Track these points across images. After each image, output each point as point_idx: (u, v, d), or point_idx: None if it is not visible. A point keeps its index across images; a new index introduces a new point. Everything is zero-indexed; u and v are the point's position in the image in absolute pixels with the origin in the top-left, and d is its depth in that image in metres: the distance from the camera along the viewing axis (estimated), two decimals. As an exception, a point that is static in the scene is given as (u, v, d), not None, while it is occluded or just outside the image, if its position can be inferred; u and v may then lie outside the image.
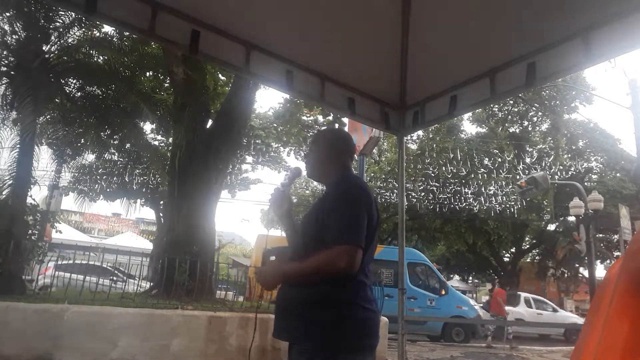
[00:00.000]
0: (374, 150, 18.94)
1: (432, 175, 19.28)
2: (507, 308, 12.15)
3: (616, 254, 21.19)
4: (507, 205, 19.53)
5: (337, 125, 12.08)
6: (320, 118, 14.98)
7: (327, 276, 1.45)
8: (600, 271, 19.27)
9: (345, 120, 11.55)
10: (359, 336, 1.42)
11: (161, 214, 16.90)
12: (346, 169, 1.76)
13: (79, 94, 8.73)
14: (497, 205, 19.40)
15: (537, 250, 26.98)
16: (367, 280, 1.53)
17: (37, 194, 8.42)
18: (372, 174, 20.37)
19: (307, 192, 22.18)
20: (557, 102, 21.59)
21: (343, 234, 1.42)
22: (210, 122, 9.36)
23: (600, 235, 21.30)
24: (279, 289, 1.57)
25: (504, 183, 19.19)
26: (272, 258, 1.79)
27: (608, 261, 23.40)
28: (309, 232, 1.60)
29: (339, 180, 1.67)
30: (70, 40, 8.19)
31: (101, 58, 8.64)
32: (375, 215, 1.55)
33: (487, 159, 19.68)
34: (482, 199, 19.19)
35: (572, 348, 0.93)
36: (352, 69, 2.88)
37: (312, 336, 1.41)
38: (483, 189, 19.14)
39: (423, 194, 19.51)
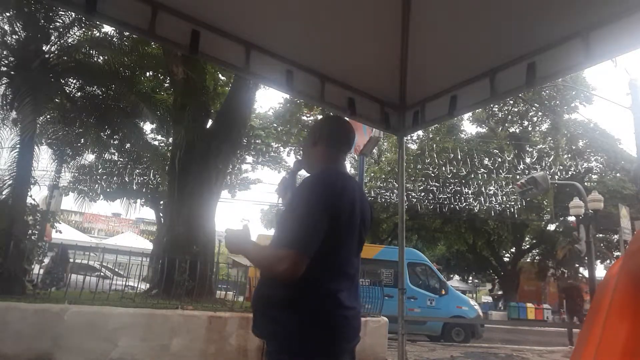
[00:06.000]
0: (374, 150, 18.94)
1: (432, 175, 19.27)
2: None
3: (616, 254, 21.17)
4: (507, 205, 19.53)
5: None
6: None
7: (268, 275, 1.44)
8: (600, 271, 19.29)
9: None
10: (321, 341, 1.35)
11: (161, 214, 16.90)
12: (331, 160, 1.62)
13: (79, 94, 8.73)
14: (497, 205, 19.41)
15: (537, 251, 26.97)
16: (336, 283, 1.41)
17: (37, 194, 8.40)
18: (372, 174, 20.38)
19: None
20: (557, 102, 21.61)
21: (288, 237, 1.34)
22: (210, 122, 9.36)
23: (600, 235, 21.29)
24: (256, 286, 1.55)
25: (504, 183, 19.19)
26: None
27: (608, 261, 23.38)
28: (277, 227, 1.56)
29: (312, 174, 1.55)
30: (70, 40, 8.19)
31: (101, 58, 8.63)
32: (347, 211, 1.42)
33: (487, 159, 19.67)
34: (482, 199, 19.19)
35: (572, 348, 0.93)
36: (352, 69, 2.87)
37: (276, 337, 1.39)
38: (483, 189, 19.14)
39: (423, 194, 19.52)
